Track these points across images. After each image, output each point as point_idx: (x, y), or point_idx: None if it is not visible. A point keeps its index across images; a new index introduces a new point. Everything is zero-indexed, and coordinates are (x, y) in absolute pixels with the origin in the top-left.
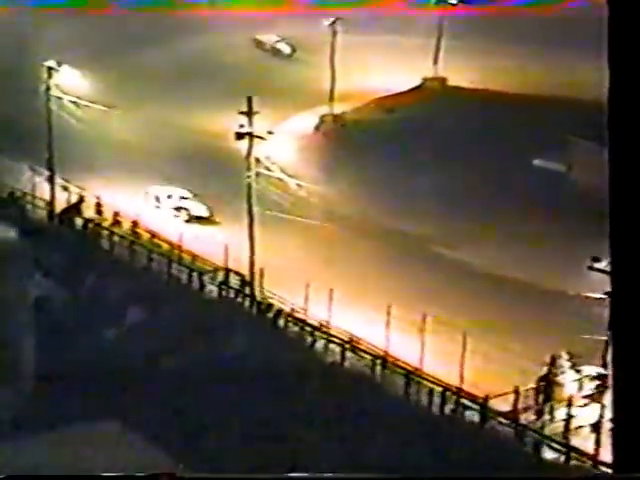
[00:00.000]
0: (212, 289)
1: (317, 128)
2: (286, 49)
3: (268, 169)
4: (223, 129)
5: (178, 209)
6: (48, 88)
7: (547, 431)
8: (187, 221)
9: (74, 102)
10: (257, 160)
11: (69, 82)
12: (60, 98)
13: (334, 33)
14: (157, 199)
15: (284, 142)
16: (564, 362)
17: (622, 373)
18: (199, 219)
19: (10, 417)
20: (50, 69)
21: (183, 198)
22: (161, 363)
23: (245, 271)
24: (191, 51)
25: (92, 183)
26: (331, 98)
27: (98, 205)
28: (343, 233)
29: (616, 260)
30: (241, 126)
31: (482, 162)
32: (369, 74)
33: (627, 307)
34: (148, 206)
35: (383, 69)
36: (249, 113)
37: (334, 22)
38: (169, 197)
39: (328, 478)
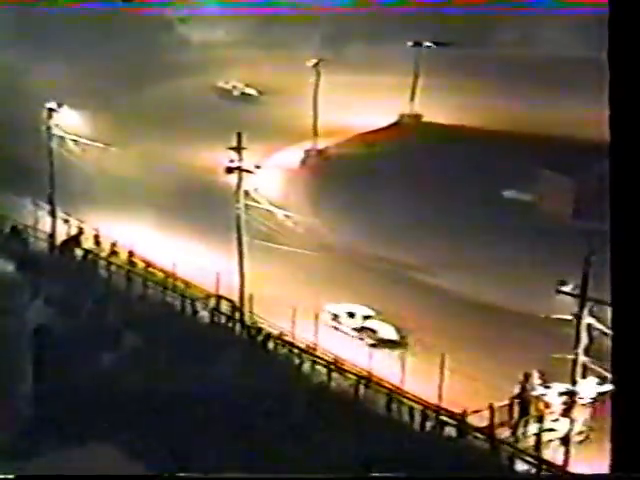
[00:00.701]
0: (204, 315)
1: (303, 162)
2: (253, 92)
3: (256, 201)
4: (213, 164)
5: (361, 330)
6: (49, 128)
7: (521, 445)
8: (373, 345)
9: (74, 140)
10: (246, 193)
11: (69, 122)
12: (61, 137)
13: (318, 73)
14: (335, 317)
15: (271, 176)
16: (536, 379)
17: (622, 373)
18: (388, 342)
19: (9, 439)
20: (51, 110)
21: (367, 317)
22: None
23: (235, 297)
24: (182, 92)
25: (91, 216)
26: (315, 134)
27: (97, 237)
28: (328, 261)
29: (616, 260)
30: (231, 161)
31: (457, 193)
32: (350, 112)
33: (627, 307)
34: (325, 325)
35: (363, 107)
36: (238, 149)
37: (317, 64)
38: (351, 316)
39: (328, 478)
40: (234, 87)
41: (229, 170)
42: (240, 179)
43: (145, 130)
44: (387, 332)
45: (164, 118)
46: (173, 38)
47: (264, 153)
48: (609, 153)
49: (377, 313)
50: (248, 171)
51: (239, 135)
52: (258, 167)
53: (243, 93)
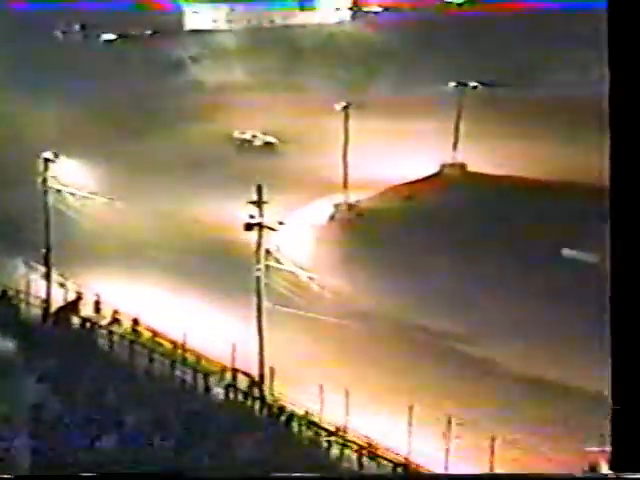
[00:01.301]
0: (219, 391)
1: (331, 218)
2: (273, 140)
3: (279, 261)
4: (229, 220)
5: None
6: (45, 180)
7: None
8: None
9: (72, 194)
10: (267, 252)
11: (67, 173)
12: (58, 190)
13: (346, 117)
14: None
15: (296, 233)
16: (603, 469)
17: (622, 373)
18: None
19: None
20: (47, 160)
21: None
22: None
23: (254, 371)
24: (190, 141)
25: (91, 279)
26: (345, 186)
27: (97, 303)
28: (359, 329)
29: (616, 260)
30: (251, 217)
31: (508, 253)
32: (384, 161)
33: (627, 307)
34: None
35: (398, 156)
36: (259, 203)
37: (346, 107)
38: None
39: (328, 478)
40: (254, 137)
41: (248, 227)
42: (260, 237)
43: (153, 182)
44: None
45: (174, 169)
46: (184, 79)
47: (287, 208)
48: (610, 153)
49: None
50: (270, 228)
51: (259, 188)
52: (281, 223)
53: (264, 143)
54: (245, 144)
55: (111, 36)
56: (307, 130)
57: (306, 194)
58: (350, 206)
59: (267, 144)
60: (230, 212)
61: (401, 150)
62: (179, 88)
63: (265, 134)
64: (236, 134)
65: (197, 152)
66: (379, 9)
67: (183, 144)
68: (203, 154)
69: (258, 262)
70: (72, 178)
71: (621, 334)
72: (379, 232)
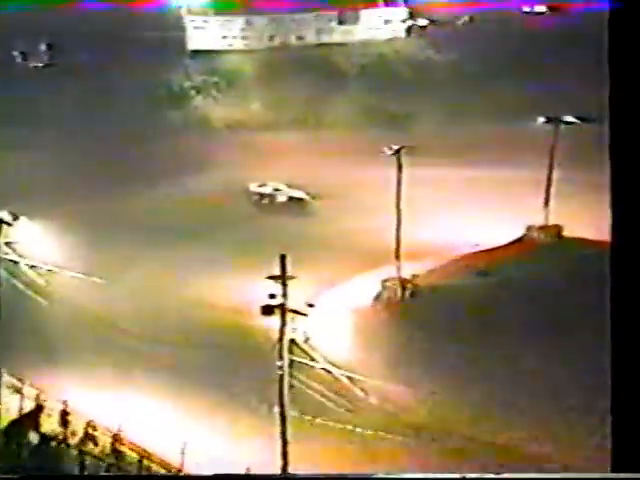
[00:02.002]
0: None
1: (378, 298)
2: (301, 195)
3: (308, 356)
4: (243, 301)
5: None
6: None
7: None
8: None
9: (33, 267)
10: (293, 344)
11: (28, 240)
12: (13, 262)
13: (399, 164)
14: None
15: (330, 318)
16: None
17: (622, 373)
18: None
19: None
20: (1, 222)
21: None
22: None
23: None
24: (193, 196)
25: (57, 382)
26: (396, 256)
27: (64, 413)
28: (411, 446)
29: (616, 260)
30: (271, 296)
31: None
32: (448, 222)
33: (627, 307)
34: None
35: (469, 215)
36: (282, 278)
37: (398, 151)
38: None
39: (328, 478)
40: (276, 190)
41: (267, 310)
42: (284, 323)
43: (143, 251)
44: None
45: (171, 234)
46: (186, 115)
47: (320, 285)
48: (609, 154)
49: None
50: (296, 312)
51: (283, 258)
52: (311, 306)
53: (290, 198)
54: (265, 200)
55: (88, 58)
56: (346, 181)
57: (344, 266)
58: (403, 282)
59: (293, 200)
60: (244, 290)
61: (473, 207)
62: (179, 126)
63: (291, 187)
64: (253, 187)
65: (202, 210)
66: (442, 20)
67: (183, 200)
68: (210, 213)
69: (281, 357)
70: (34, 246)
71: (621, 334)
72: (442, 318)
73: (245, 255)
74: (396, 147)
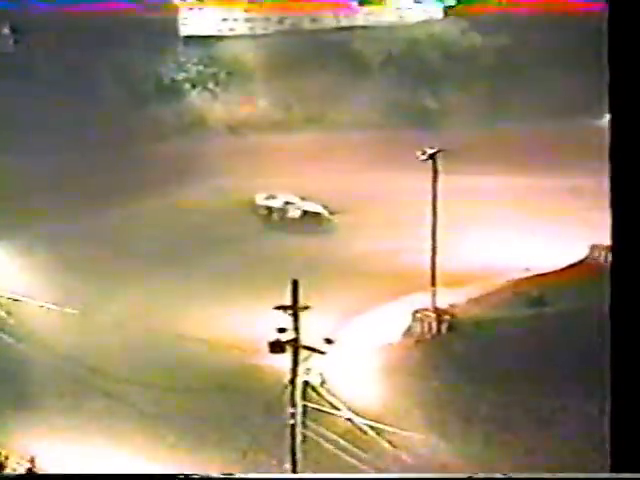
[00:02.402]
0: None
1: (408, 332)
2: (318, 209)
3: (325, 403)
4: (246, 336)
5: None
6: None
7: None
8: None
9: None
10: (307, 387)
11: None
12: None
13: (435, 170)
14: None
15: (351, 357)
16: None
17: (621, 373)
18: None
19: None
20: None
21: None
22: None
23: None
24: (187, 209)
25: (21, 436)
26: (432, 282)
27: (30, 471)
28: None
29: (617, 259)
30: (280, 330)
31: None
32: (496, 241)
33: (627, 306)
34: None
35: (520, 232)
36: (294, 308)
37: (434, 156)
38: None
39: (328, 478)
40: (287, 203)
41: (277, 347)
42: (296, 363)
43: (126, 277)
44: None
45: (159, 254)
46: (179, 113)
47: (339, 317)
48: (609, 157)
49: None
50: (311, 349)
51: (295, 285)
52: (329, 341)
53: (304, 212)
54: (274, 214)
55: (62, 45)
56: (371, 192)
57: (368, 294)
58: (439, 314)
59: (309, 214)
60: (249, 323)
61: (524, 223)
62: (170, 127)
63: (305, 199)
64: (260, 199)
65: (197, 228)
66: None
67: (174, 216)
68: (207, 231)
69: (292, 404)
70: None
71: (621, 334)
72: (485, 358)
73: (250, 281)
74: (431, 150)
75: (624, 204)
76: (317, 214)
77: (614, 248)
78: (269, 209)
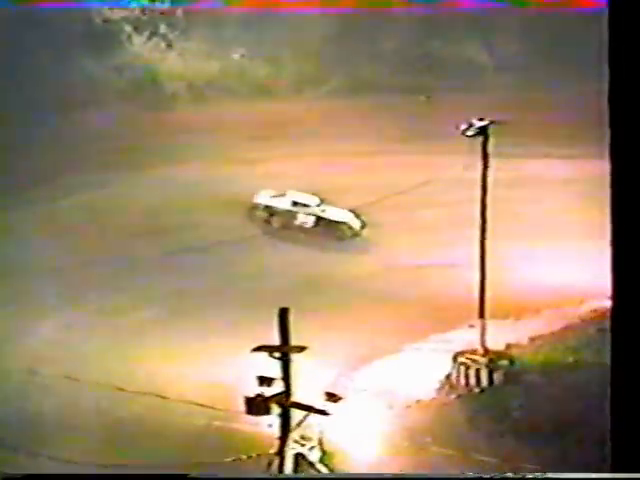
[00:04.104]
0: None
1: (446, 383)
2: (355, 223)
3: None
4: (218, 389)
5: None
6: None
7: None
8: None
9: None
10: (301, 461)
11: None
12: None
13: (485, 156)
14: None
15: (364, 420)
16: None
17: (621, 373)
18: None
19: None
20: None
21: None
22: None
23: None
24: (118, 207)
25: None
26: (480, 313)
27: None
28: None
29: (617, 259)
30: (263, 381)
31: None
32: (566, 256)
33: (627, 306)
34: None
35: (600, 241)
36: (283, 348)
37: (484, 129)
38: None
39: (328, 478)
40: (296, 204)
41: (257, 405)
42: (286, 428)
43: (52, 301)
44: None
45: (108, 267)
46: (119, 72)
47: (348, 362)
48: (609, 154)
49: None
50: (307, 408)
51: (283, 315)
52: (333, 398)
53: (319, 219)
54: (275, 220)
55: None
56: (392, 184)
57: (391, 329)
58: (491, 357)
59: (324, 221)
60: (220, 369)
61: (596, 230)
62: (104, 88)
63: (323, 201)
64: (262, 198)
65: (151, 233)
66: None
67: (101, 216)
68: (162, 237)
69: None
70: None
71: (621, 330)
72: (557, 420)
73: (225, 310)
74: (480, 123)
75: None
76: (338, 223)
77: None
78: (269, 212)
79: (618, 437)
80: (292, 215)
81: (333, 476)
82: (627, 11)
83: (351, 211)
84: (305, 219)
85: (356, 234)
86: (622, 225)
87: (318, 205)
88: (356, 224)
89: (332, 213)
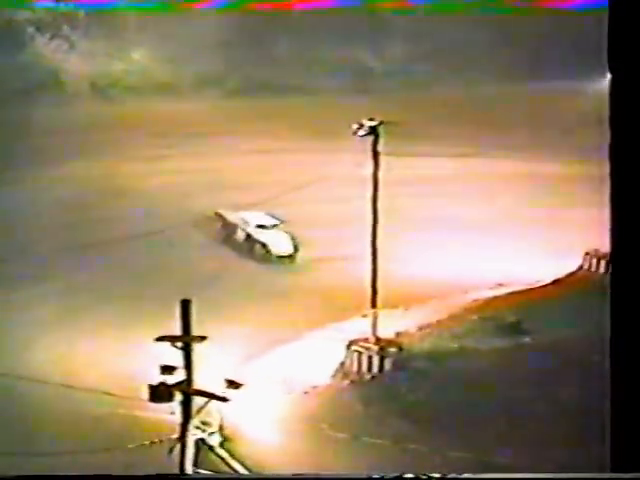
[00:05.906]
0: None
1: (340, 370)
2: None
3: (227, 466)
4: (114, 377)
5: None
6: None
7: None
8: None
9: None
10: (202, 446)
11: None
12: None
13: (375, 154)
14: None
15: (263, 405)
16: None
17: (621, 374)
18: None
19: None
20: None
21: None
22: None
23: None
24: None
25: None
26: (373, 302)
27: None
28: None
29: (617, 259)
30: (165, 370)
31: None
32: (455, 247)
33: (627, 307)
34: None
35: (489, 235)
36: (185, 338)
37: (374, 129)
38: None
39: (328, 478)
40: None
41: (160, 392)
42: (187, 414)
43: None
44: None
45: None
46: (23, 73)
47: (247, 350)
48: (609, 155)
49: None
50: (208, 394)
51: (185, 306)
52: (233, 384)
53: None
54: (220, 230)
55: None
56: (292, 181)
57: (287, 319)
58: (382, 345)
59: (251, 239)
60: (123, 358)
61: (497, 223)
62: (7, 89)
63: (282, 223)
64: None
65: (56, 227)
66: None
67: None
68: (66, 231)
69: (181, 470)
70: None
71: (621, 334)
72: (442, 403)
73: (128, 299)
74: (371, 123)
75: (626, 201)
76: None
77: (614, 255)
78: (222, 221)
79: (617, 437)
80: (234, 229)
81: (332, 476)
82: (628, 10)
83: (292, 239)
84: (241, 234)
85: (282, 257)
86: (622, 225)
87: (273, 226)
88: (279, 249)
89: (264, 235)
